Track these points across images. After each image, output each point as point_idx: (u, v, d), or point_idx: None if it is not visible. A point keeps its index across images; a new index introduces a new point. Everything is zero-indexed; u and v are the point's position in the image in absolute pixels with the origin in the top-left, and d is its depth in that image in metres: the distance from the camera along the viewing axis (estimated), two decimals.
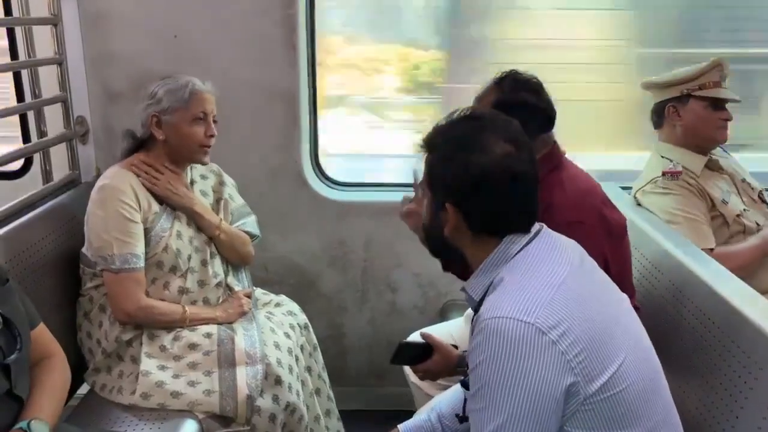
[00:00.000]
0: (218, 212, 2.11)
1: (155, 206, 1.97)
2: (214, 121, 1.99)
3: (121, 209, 1.88)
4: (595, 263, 1.34)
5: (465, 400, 1.39)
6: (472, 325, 1.25)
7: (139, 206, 1.92)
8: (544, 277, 1.19)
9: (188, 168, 2.09)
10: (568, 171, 1.74)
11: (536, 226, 1.29)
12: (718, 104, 2.16)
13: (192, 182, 2.09)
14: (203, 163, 2.04)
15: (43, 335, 1.47)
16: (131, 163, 1.98)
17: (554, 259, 1.23)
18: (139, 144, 2.02)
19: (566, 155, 1.80)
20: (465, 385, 1.31)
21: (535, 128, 1.70)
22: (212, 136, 1.98)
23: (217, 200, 2.15)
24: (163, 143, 1.97)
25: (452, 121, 1.31)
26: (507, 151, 1.22)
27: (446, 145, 1.28)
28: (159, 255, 1.94)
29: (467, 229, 1.28)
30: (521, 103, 1.67)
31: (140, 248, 1.90)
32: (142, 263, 1.90)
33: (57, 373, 1.44)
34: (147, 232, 1.93)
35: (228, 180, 2.21)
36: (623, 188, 2.40)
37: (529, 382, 1.10)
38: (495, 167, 1.21)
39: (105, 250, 1.87)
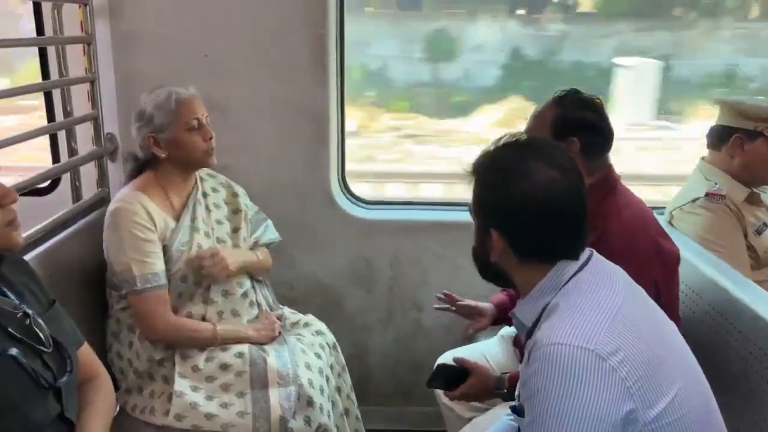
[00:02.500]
0: (239, 223, 2.13)
1: (171, 223, 1.97)
2: (207, 123, 1.99)
3: (134, 230, 1.88)
4: (642, 290, 1.34)
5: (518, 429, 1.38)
6: (526, 350, 1.24)
7: (154, 225, 1.91)
8: (600, 304, 1.18)
9: (199, 182, 2.10)
10: (623, 197, 1.73)
11: (586, 252, 1.29)
12: None
13: (205, 194, 2.10)
14: (210, 165, 2.03)
15: (87, 355, 1.47)
16: (140, 184, 1.98)
17: (607, 286, 1.23)
18: (143, 164, 2.02)
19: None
20: (516, 411, 1.30)
21: (597, 148, 1.72)
22: (211, 138, 1.98)
23: (235, 211, 2.16)
24: (168, 159, 1.97)
25: (498, 147, 1.31)
26: (551, 178, 1.22)
27: (491, 172, 1.29)
28: (182, 270, 1.94)
29: (513, 255, 1.28)
30: (584, 121, 1.68)
31: (159, 266, 1.90)
32: (163, 280, 1.90)
33: (103, 393, 1.44)
34: (166, 249, 1.93)
35: (239, 190, 2.22)
36: (653, 208, 2.39)
37: (589, 409, 1.09)
38: (539, 194, 1.22)
39: (126, 273, 1.87)
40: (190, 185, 2.07)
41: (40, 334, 1.25)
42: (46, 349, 1.24)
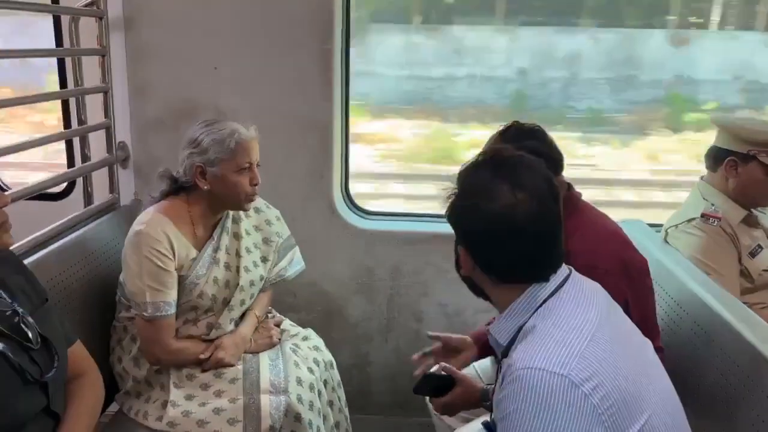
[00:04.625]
0: (269, 254, 2.14)
1: (192, 252, 1.96)
2: (258, 165, 1.97)
3: (154, 258, 1.87)
4: (619, 308, 1.34)
5: None
6: (501, 371, 1.24)
7: (174, 254, 1.91)
8: (576, 327, 1.18)
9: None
10: (586, 215, 1.75)
11: (565, 270, 1.29)
12: None
13: (236, 220, 2.09)
14: (245, 210, 2.03)
15: (79, 353, 1.51)
16: (169, 209, 1.96)
17: (585, 307, 1.23)
18: (179, 187, 2.00)
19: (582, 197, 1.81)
20: (488, 427, 1.31)
21: None
22: (257, 184, 1.95)
23: (265, 240, 2.15)
24: (207, 192, 1.94)
25: (474, 163, 1.32)
26: (514, 201, 1.21)
27: (462, 189, 1.30)
28: (194, 301, 1.95)
29: (483, 274, 1.29)
30: (529, 151, 1.70)
31: (172, 295, 1.91)
32: (173, 310, 1.91)
33: (91, 390, 1.48)
34: (182, 279, 1.93)
35: (272, 215, 2.20)
36: (651, 225, 2.39)
37: None
38: (500, 217, 1.22)
39: (138, 297, 1.88)
40: (218, 217, 2.05)
41: (28, 332, 1.29)
42: (33, 346, 1.29)
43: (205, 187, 1.93)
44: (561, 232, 1.27)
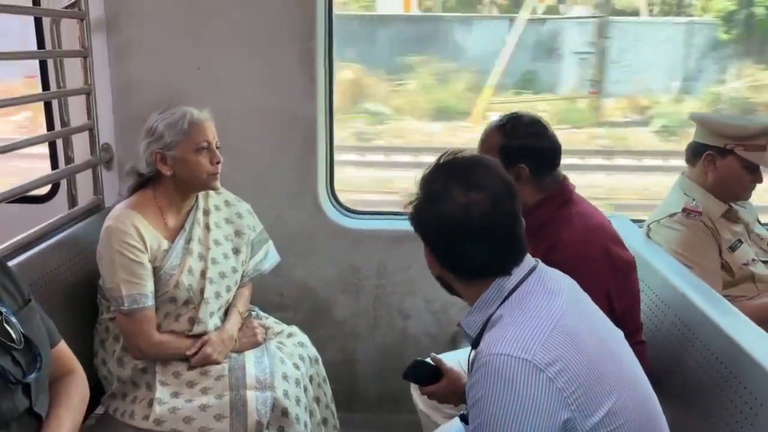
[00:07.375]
0: (241, 246, 2.15)
1: (164, 243, 1.98)
2: (217, 147, 2.00)
3: (125, 251, 1.89)
4: (588, 298, 1.37)
5: None
6: (471, 360, 1.28)
7: (146, 246, 1.93)
8: (541, 314, 1.22)
9: (201, 198, 2.10)
10: (577, 207, 1.76)
11: (531, 261, 1.32)
12: (754, 167, 2.15)
13: (206, 212, 2.11)
14: (214, 189, 2.04)
15: (63, 352, 1.50)
16: (136, 202, 1.99)
17: (551, 296, 1.27)
18: (145, 180, 2.03)
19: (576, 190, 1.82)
20: (464, 420, 1.33)
21: (545, 168, 1.76)
22: (218, 162, 1.99)
23: (237, 233, 2.16)
24: (171, 178, 1.98)
25: (431, 170, 1.36)
26: (467, 203, 1.25)
27: (421, 192, 1.34)
28: (171, 291, 1.96)
29: (448, 273, 1.34)
30: (527, 148, 1.72)
31: (149, 287, 1.92)
32: (151, 302, 1.93)
33: (76, 390, 1.47)
34: (157, 270, 1.95)
35: (243, 208, 2.22)
36: (634, 221, 2.41)
37: (526, 419, 1.12)
38: (454, 218, 1.26)
39: (114, 292, 1.90)
40: (189, 205, 2.07)
41: (11, 332, 1.29)
42: (16, 346, 1.28)
43: (168, 173, 1.97)
44: (520, 228, 1.31)
